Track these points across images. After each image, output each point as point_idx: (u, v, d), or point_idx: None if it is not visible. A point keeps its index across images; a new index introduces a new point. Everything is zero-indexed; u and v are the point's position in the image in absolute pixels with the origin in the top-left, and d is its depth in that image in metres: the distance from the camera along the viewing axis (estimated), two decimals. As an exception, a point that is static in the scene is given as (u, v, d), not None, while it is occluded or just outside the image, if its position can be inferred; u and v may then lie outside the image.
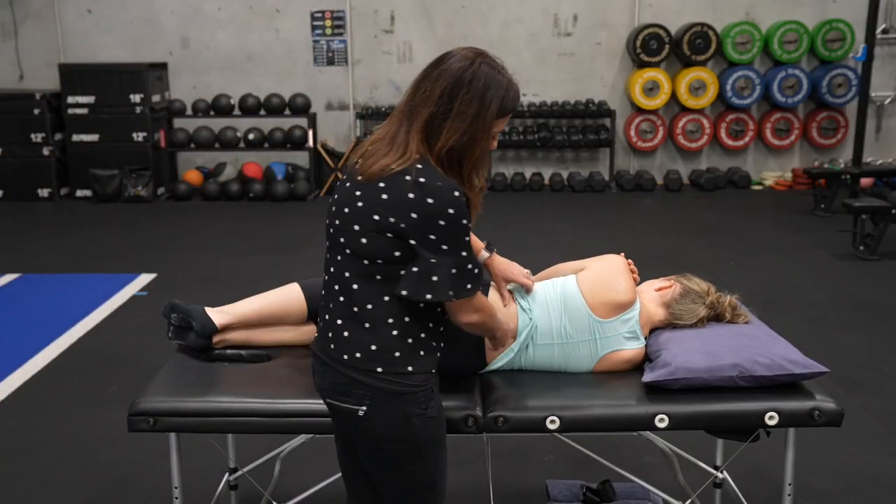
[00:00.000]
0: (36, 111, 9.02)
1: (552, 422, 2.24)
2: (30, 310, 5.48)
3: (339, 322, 1.96)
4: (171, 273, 6.24)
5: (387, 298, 1.93)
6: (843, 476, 3.33)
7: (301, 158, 9.58)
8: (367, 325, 1.94)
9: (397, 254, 1.89)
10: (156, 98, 9.23)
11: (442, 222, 1.86)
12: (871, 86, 8.24)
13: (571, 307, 2.45)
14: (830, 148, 9.56)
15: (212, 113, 9.13)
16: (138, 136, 9.14)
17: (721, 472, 2.78)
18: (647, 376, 2.32)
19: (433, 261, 1.88)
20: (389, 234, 1.88)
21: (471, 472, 3.34)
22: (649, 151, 9.68)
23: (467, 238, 1.91)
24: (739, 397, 2.28)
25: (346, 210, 1.94)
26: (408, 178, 1.87)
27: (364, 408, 1.94)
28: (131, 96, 9.06)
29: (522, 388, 2.39)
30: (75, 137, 9.16)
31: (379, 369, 1.93)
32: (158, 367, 2.58)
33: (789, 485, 2.36)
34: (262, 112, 9.14)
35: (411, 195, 1.86)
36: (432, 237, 1.87)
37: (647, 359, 2.48)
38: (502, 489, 3.20)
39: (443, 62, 1.94)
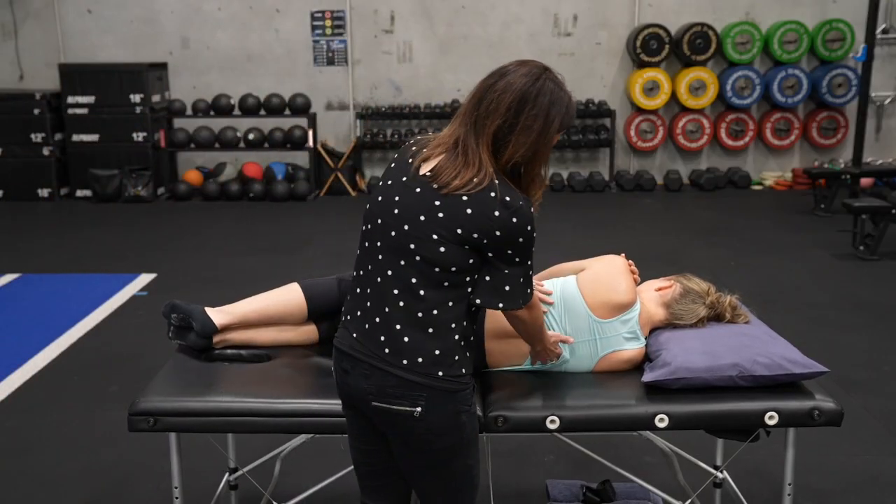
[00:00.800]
0: (36, 111, 9.02)
1: (552, 422, 2.24)
2: (30, 310, 5.48)
3: (399, 327, 1.95)
4: (171, 273, 6.24)
5: (451, 304, 1.95)
6: (843, 476, 3.33)
7: (301, 158, 9.58)
8: (430, 330, 1.95)
9: (471, 262, 1.93)
10: (156, 98, 9.23)
11: (521, 239, 1.93)
12: (871, 86, 8.24)
13: (571, 307, 2.45)
14: (830, 148, 9.56)
15: (212, 113, 9.13)
16: (138, 136, 9.14)
17: (721, 472, 2.78)
18: (647, 376, 2.32)
19: (506, 272, 1.95)
20: (468, 247, 1.91)
21: (471, 472, 3.34)
22: (649, 151, 9.68)
23: (534, 249, 1.99)
24: (739, 397, 2.28)
25: (423, 218, 1.92)
26: (492, 194, 1.89)
27: (419, 408, 1.96)
28: (131, 96, 9.06)
29: (522, 388, 2.39)
30: (75, 137, 9.16)
31: (440, 373, 1.96)
32: (158, 367, 2.58)
33: (789, 485, 2.36)
34: (262, 112, 9.15)
35: (497, 213, 1.89)
36: (510, 252, 1.93)
37: (647, 359, 2.48)
38: (502, 489, 3.20)
39: (506, 75, 1.94)
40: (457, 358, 1.98)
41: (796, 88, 9.18)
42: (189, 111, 9.18)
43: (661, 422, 2.24)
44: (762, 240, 7.11)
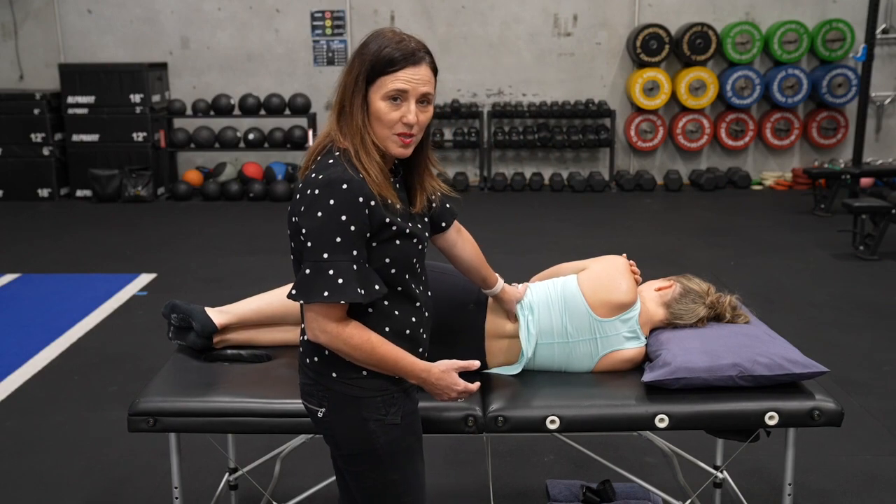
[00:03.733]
0: (36, 111, 9.02)
1: (552, 422, 2.24)
2: (30, 310, 5.48)
3: (302, 325, 1.96)
4: (171, 273, 6.24)
5: None
6: (843, 476, 3.33)
7: (301, 158, 9.54)
8: None
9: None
10: (156, 98, 9.23)
11: (307, 211, 1.79)
12: (871, 86, 8.24)
13: (572, 306, 2.45)
14: (830, 148, 9.56)
15: (212, 113, 9.13)
16: (138, 136, 9.14)
17: (721, 472, 2.78)
18: (647, 376, 2.32)
19: (304, 253, 1.83)
20: (302, 237, 1.83)
21: (471, 472, 3.34)
22: (649, 151, 9.68)
23: (339, 239, 1.76)
24: (739, 397, 2.28)
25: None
26: (313, 174, 1.82)
27: (323, 409, 1.94)
28: (131, 96, 9.06)
29: (522, 388, 2.39)
30: (75, 137, 9.16)
31: (334, 374, 1.91)
32: (158, 367, 2.58)
33: (789, 485, 2.36)
34: (262, 112, 9.15)
35: (308, 191, 1.79)
36: (304, 231, 1.80)
37: (647, 358, 2.49)
38: (502, 489, 3.20)
39: None
40: (349, 364, 1.89)
41: (796, 88, 9.18)
42: (189, 111, 9.18)
43: (661, 422, 2.24)
44: (762, 240, 7.11)
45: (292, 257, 1.95)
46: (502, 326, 2.47)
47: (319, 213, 1.76)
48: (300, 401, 2.29)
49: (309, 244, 1.78)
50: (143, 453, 3.50)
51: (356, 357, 1.85)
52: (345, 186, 1.76)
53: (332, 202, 1.75)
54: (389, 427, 1.92)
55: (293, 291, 1.83)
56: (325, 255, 1.77)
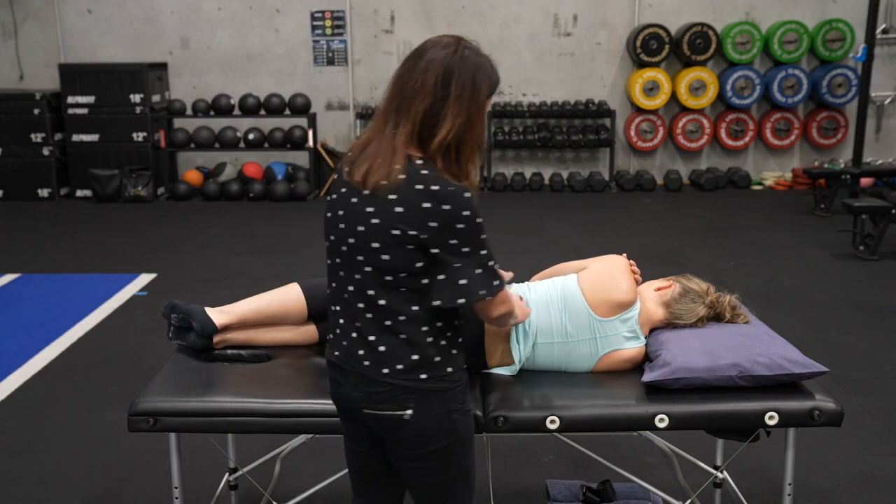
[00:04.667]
0: (36, 111, 9.02)
1: (552, 422, 2.24)
2: (30, 310, 5.48)
3: (372, 338, 1.94)
4: (171, 273, 6.24)
5: (416, 308, 1.93)
6: (843, 476, 3.33)
7: (301, 158, 9.58)
8: (402, 336, 1.93)
9: (419, 265, 1.89)
10: (156, 98, 9.24)
11: (460, 226, 1.87)
12: (871, 86, 8.24)
13: (572, 306, 2.45)
14: (830, 148, 9.56)
15: (212, 113, 9.13)
16: (138, 136, 9.15)
17: (721, 472, 2.78)
18: (647, 376, 2.32)
19: (458, 265, 1.89)
20: (410, 247, 1.87)
21: (471, 472, 3.34)
22: (649, 151, 9.68)
23: (484, 236, 1.92)
24: (739, 397, 2.28)
25: (362, 228, 1.90)
26: (418, 187, 1.86)
27: (409, 411, 1.95)
28: (131, 96, 9.07)
29: (522, 388, 2.39)
30: (75, 137, 9.16)
31: (423, 376, 1.94)
32: (158, 367, 2.58)
33: (789, 485, 2.36)
34: (262, 112, 9.15)
35: (426, 205, 1.85)
36: (453, 242, 1.87)
37: (647, 358, 2.49)
38: (502, 489, 3.20)
39: (424, 53, 1.92)
40: (437, 359, 1.96)
41: (796, 88, 9.18)
42: (189, 111, 9.18)
43: (661, 422, 2.24)
44: (762, 240, 7.11)
45: (370, 268, 1.91)
46: (503, 329, 2.47)
47: (467, 217, 1.87)
48: (302, 401, 2.29)
49: (465, 249, 1.89)
50: (143, 453, 3.50)
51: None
52: (467, 195, 1.89)
53: (472, 207, 1.89)
54: (465, 414, 2.03)
55: (480, 292, 1.91)
56: (484, 252, 1.92)
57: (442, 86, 1.88)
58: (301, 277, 2.73)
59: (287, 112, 9.16)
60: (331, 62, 9.56)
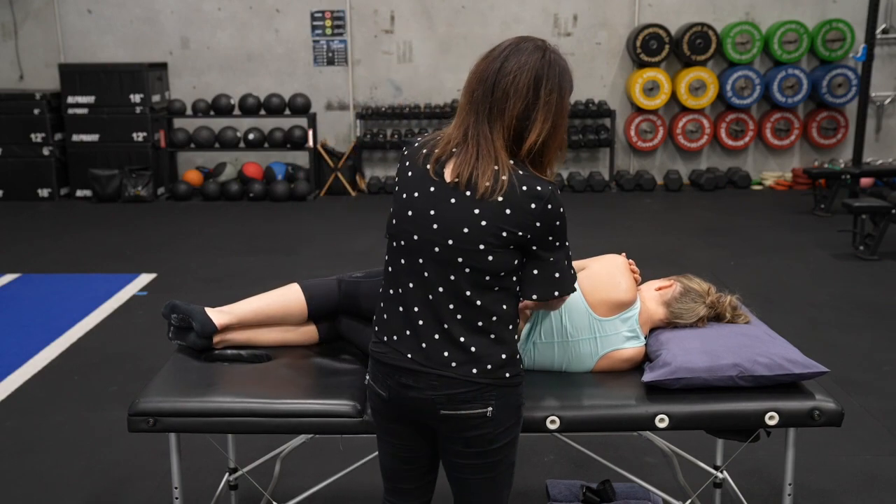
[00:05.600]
0: (36, 111, 9.03)
1: (552, 422, 2.24)
2: (30, 310, 5.48)
3: (462, 339, 1.93)
4: (171, 273, 6.24)
5: (505, 307, 1.96)
6: (843, 476, 3.33)
7: (301, 158, 9.58)
8: (493, 336, 1.95)
9: (516, 263, 1.93)
10: (156, 98, 9.24)
11: (559, 223, 1.94)
12: (871, 86, 8.24)
13: (572, 305, 2.45)
14: (830, 148, 9.56)
15: (212, 113, 9.13)
16: (138, 136, 9.15)
17: (721, 472, 2.78)
18: (648, 376, 2.32)
19: (552, 259, 1.96)
20: (513, 247, 1.91)
21: (471, 472, 3.34)
22: (649, 151, 9.68)
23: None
24: (739, 397, 2.28)
25: (467, 230, 1.89)
26: (524, 188, 1.88)
27: (490, 408, 1.97)
28: (131, 96, 9.07)
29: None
30: (75, 137, 9.16)
31: (508, 374, 1.98)
32: (158, 367, 2.58)
33: (789, 485, 2.36)
34: (262, 112, 9.15)
35: (533, 205, 1.89)
36: (551, 238, 1.94)
37: (647, 358, 2.48)
38: (502, 489, 3.20)
39: (510, 56, 1.93)
40: (518, 356, 2.02)
41: (796, 88, 9.18)
42: (189, 111, 9.18)
43: (662, 422, 2.24)
44: (762, 240, 7.11)
45: (469, 269, 1.90)
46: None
47: (562, 213, 1.94)
48: (302, 401, 2.29)
49: (558, 244, 1.96)
50: (143, 453, 3.50)
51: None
52: (559, 192, 1.95)
53: (563, 203, 1.95)
54: (523, 406, 2.09)
55: (573, 285, 2.00)
56: (568, 245, 2.00)
57: (534, 90, 1.90)
58: (301, 277, 2.73)
59: (287, 112, 9.16)
60: (331, 62, 9.56)
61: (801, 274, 6.13)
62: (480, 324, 1.93)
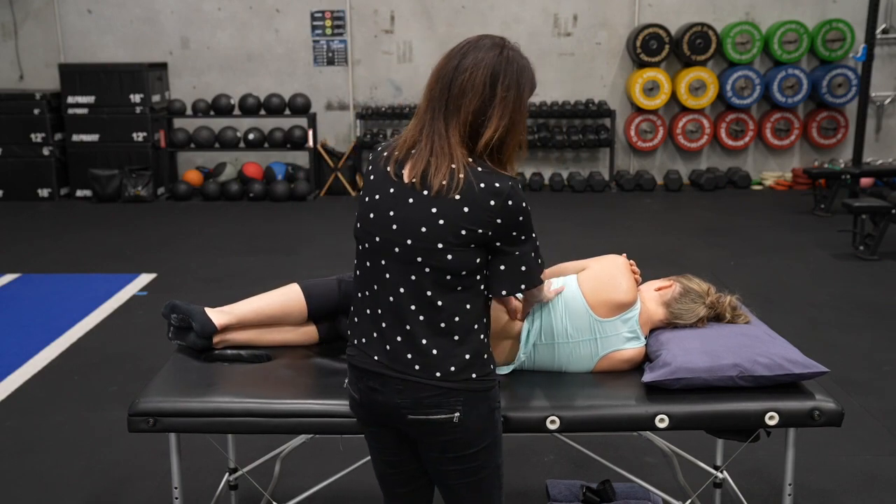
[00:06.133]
0: (36, 111, 9.03)
1: (552, 422, 2.24)
2: (30, 310, 5.48)
3: (424, 341, 1.92)
4: (171, 273, 6.24)
5: (469, 307, 1.94)
6: (843, 476, 3.33)
7: (301, 158, 9.58)
8: (456, 337, 1.93)
9: (478, 260, 1.92)
10: (156, 98, 9.24)
11: (521, 217, 1.93)
12: (871, 86, 8.24)
13: (572, 306, 2.45)
14: (830, 148, 9.56)
15: (212, 113, 9.13)
16: (138, 136, 9.15)
17: (721, 472, 2.78)
18: (648, 376, 2.32)
19: (517, 253, 1.95)
20: (473, 245, 1.89)
21: (471, 472, 3.34)
22: (649, 151, 9.68)
23: (532, 220, 1.99)
24: (739, 397, 2.27)
25: (424, 229, 1.88)
26: (481, 185, 1.88)
27: (457, 413, 1.94)
28: (131, 96, 9.07)
29: (522, 388, 2.39)
30: (75, 137, 9.16)
31: (473, 375, 1.95)
32: (158, 367, 2.58)
33: (789, 485, 2.36)
34: (262, 112, 9.15)
35: (492, 202, 1.88)
36: (514, 233, 1.93)
37: (647, 359, 2.48)
38: (502, 489, 3.20)
39: (468, 53, 1.92)
40: (485, 357, 1.98)
41: (796, 88, 9.18)
42: (189, 111, 9.18)
43: (662, 422, 2.23)
44: (762, 240, 7.11)
45: (429, 268, 1.89)
46: (501, 326, 2.47)
47: (524, 208, 1.93)
48: (302, 401, 2.29)
49: (523, 237, 1.95)
50: (143, 453, 3.50)
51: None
52: (519, 186, 1.95)
53: (525, 198, 1.94)
54: (498, 409, 2.05)
55: (526, 284, 1.98)
56: (535, 237, 1.99)
57: (490, 86, 1.90)
58: (301, 277, 2.73)
59: (287, 112, 9.16)
60: (331, 62, 9.57)
61: (801, 274, 6.13)
62: (443, 325, 1.92)
